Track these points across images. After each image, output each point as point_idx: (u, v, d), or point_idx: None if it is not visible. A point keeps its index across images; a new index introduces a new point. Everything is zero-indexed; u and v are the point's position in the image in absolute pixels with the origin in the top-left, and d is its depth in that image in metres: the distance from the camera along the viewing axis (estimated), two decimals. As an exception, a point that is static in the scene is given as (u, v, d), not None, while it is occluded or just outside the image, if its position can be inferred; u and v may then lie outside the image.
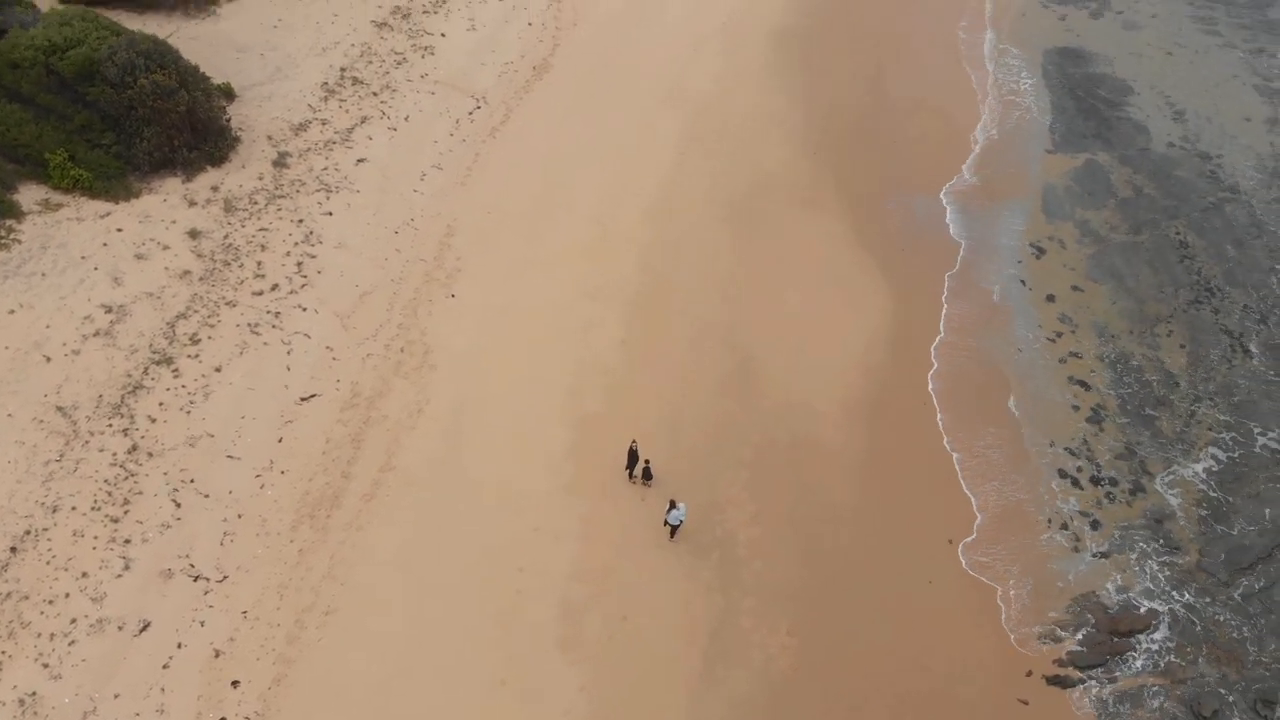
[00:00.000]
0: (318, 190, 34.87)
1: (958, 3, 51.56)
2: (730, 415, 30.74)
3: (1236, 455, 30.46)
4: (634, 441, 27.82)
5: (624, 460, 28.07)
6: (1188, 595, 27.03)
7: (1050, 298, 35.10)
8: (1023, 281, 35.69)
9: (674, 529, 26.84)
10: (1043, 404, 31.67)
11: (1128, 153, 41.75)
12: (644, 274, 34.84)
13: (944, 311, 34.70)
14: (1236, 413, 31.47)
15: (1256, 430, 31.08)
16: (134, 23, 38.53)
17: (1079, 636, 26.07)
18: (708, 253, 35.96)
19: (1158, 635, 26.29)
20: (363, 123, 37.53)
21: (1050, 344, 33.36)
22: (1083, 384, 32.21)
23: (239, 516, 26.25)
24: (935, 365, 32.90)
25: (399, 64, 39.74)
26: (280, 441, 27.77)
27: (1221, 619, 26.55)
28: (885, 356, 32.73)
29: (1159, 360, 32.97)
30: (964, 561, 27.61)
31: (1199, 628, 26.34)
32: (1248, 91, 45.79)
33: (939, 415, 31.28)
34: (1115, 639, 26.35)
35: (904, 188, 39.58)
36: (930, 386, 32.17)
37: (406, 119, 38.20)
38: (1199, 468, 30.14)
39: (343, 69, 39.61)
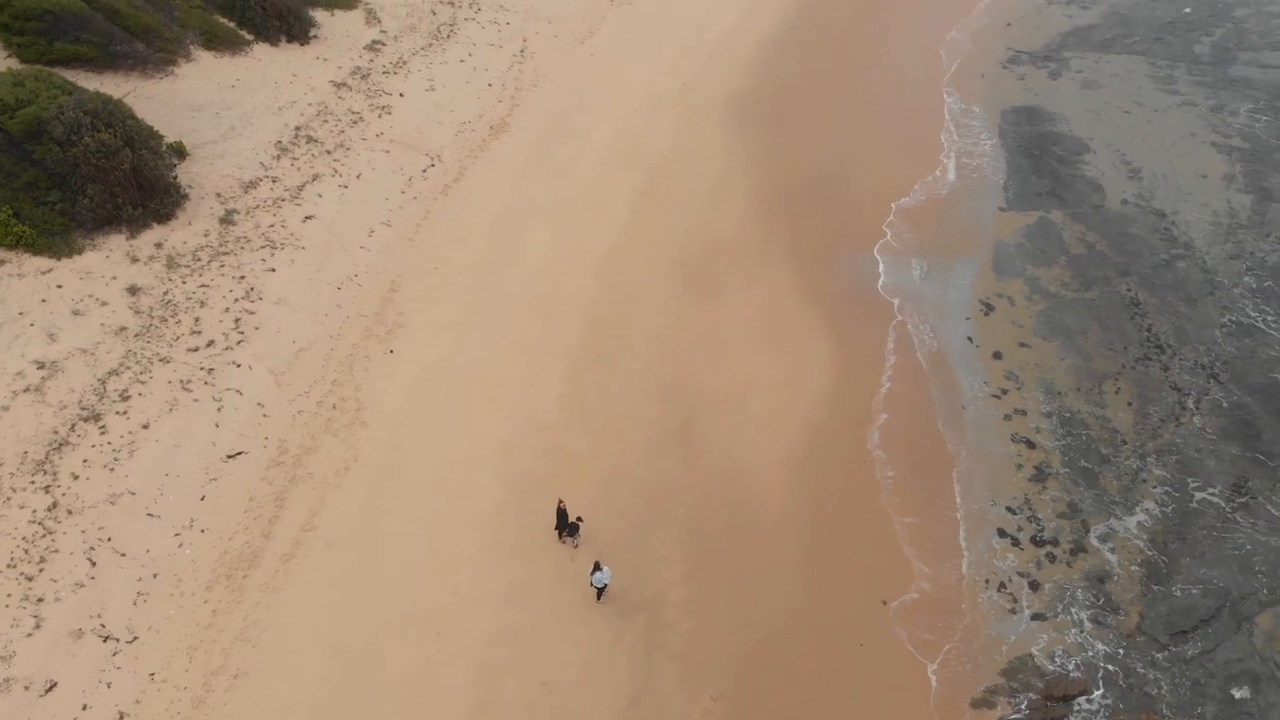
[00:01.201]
0: (263, 247, 35.06)
1: (918, 64, 52.41)
2: (668, 472, 30.21)
3: (1179, 514, 30.11)
4: (561, 500, 27.58)
5: (555, 519, 27.98)
6: (1127, 659, 26.51)
7: (997, 355, 35.09)
8: (970, 338, 35.73)
9: (600, 590, 26.31)
10: (985, 462, 31.42)
11: (1081, 210, 42.12)
12: (589, 330, 34.58)
13: (889, 369, 34.52)
14: (1182, 471, 31.20)
15: (1201, 489, 30.77)
16: (92, 82, 39.20)
17: (1014, 702, 25.51)
18: (655, 310, 35.70)
19: (1095, 701, 25.80)
20: (314, 180, 37.91)
21: (995, 401, 33.25)
22: (1027, 442, 32.04)
23: (154, 576, 25.86)
24: (877, 423, 32.47)
25: (355, 123, 40.18)
26: (203, 500, 27.50)
27: (1161, 684, 25.96)
28: (828, 414, 32.53)
29: (1105, 418, 32.84)
30: (898, 623, 26.96)
31: (1138, 692, 25.75)
32: (1205, 149, 46.32)
33: (879, 473, 30.86)
34: (1051, 704, 25.71)
35: (855, 246, 39.72)
36: (872, 444, 31.78)
37: (358, 177, 38.64)
38: (1141, 527, 29.73)
39: (298, 128, 40.17)
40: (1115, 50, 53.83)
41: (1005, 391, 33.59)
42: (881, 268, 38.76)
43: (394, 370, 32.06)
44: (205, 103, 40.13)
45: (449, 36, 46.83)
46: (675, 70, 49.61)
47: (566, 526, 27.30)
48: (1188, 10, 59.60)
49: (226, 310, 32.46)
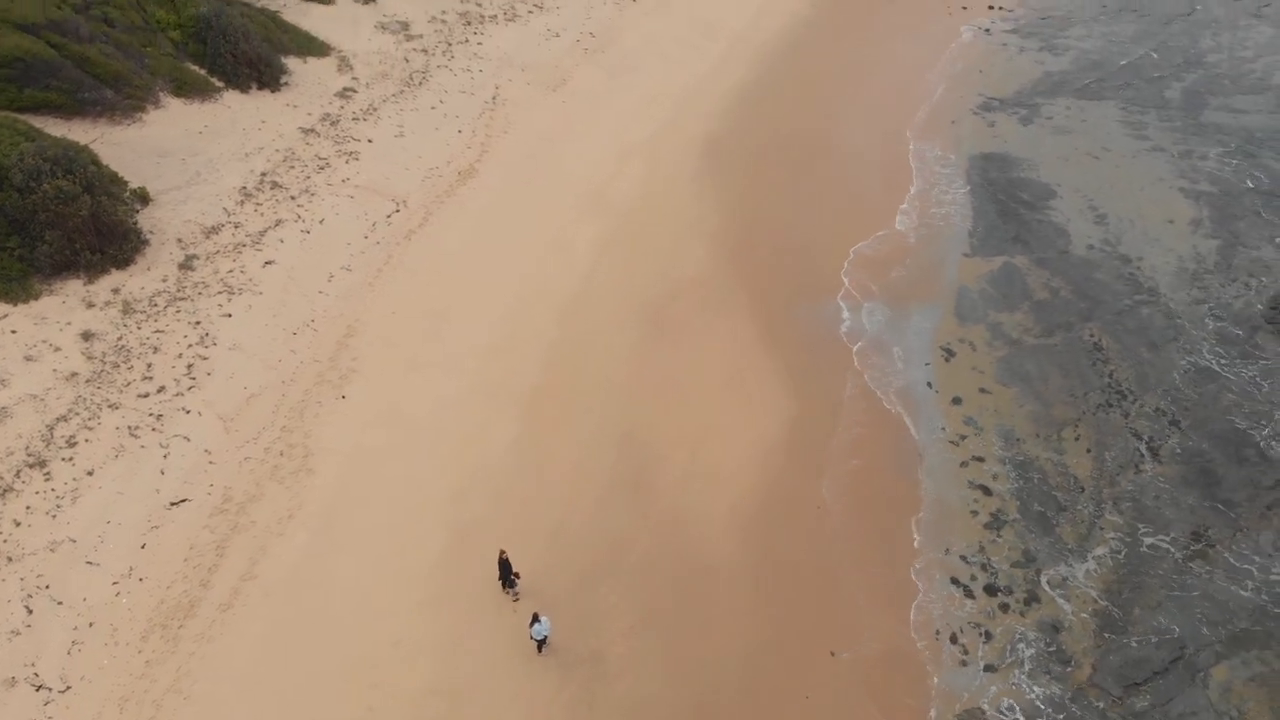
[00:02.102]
0: (220, 292, 35.17)
1: (889, 111, 52.82)
2: (618, 520, 29.74)
3: (1135, 563, 29.85)
4: (503, 551, 27.40)
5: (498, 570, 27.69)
6: (1078, 711, 26.15)
7: (956, 400, 35.12)
8: (929, 384, 35.77)
9: (540, 643, 25.95)
10: (941, 509, 31.24)
11: (1046, 255, 42.37)
12: (547, 376, 34.37)
13: (846, 415, 34.45)
14: (1139, 519, 31.01)
15: (1157, 538, 30.61)
16: (60, 128, 39.69)
17: (963, 756, 25.28)
18: (614, 355, 35.50)
19: (1045, 755, 25.47)
20: (276, 225, 38.13)
21: (953, 447, 33.19)
22: (983, 489, 31.93)
23: (90, 625, 25.58)
24: (833, 470, 31.97)
25: (321, 169, 40.50)
26: (143, 548, 27.31)
27: (1113, 738, 25.75)
28: (784, 461, 32.33)
29: (1063, 464, 32.73)
30: (846, 675, 26.61)
31: (1089, 747, 25.53)
32: (1173, 194, 46.69)
33: (833, 522, 30.72)
34: (1000, 759, 25.51)
35: (817, 292, 39.73)
36: (827, 492, 31.50)
37: (321, 222, 38.88)
38: (1096, 576, 29.45)
39: (263, 174, 40.55)
40: (1086, 96, 54.44)
41: (963, 438, 33.55)
42: (843, 313, 38.83)
43: (345, 416, 32.01)
44: (172, 149, 40.57)
45: (421, 84, 47.48)
46: (645, 117, 49.77)
47: (508, 577, 27.18)
48: (1154, 55, 60.53)
49: (179, 356, 32.55)
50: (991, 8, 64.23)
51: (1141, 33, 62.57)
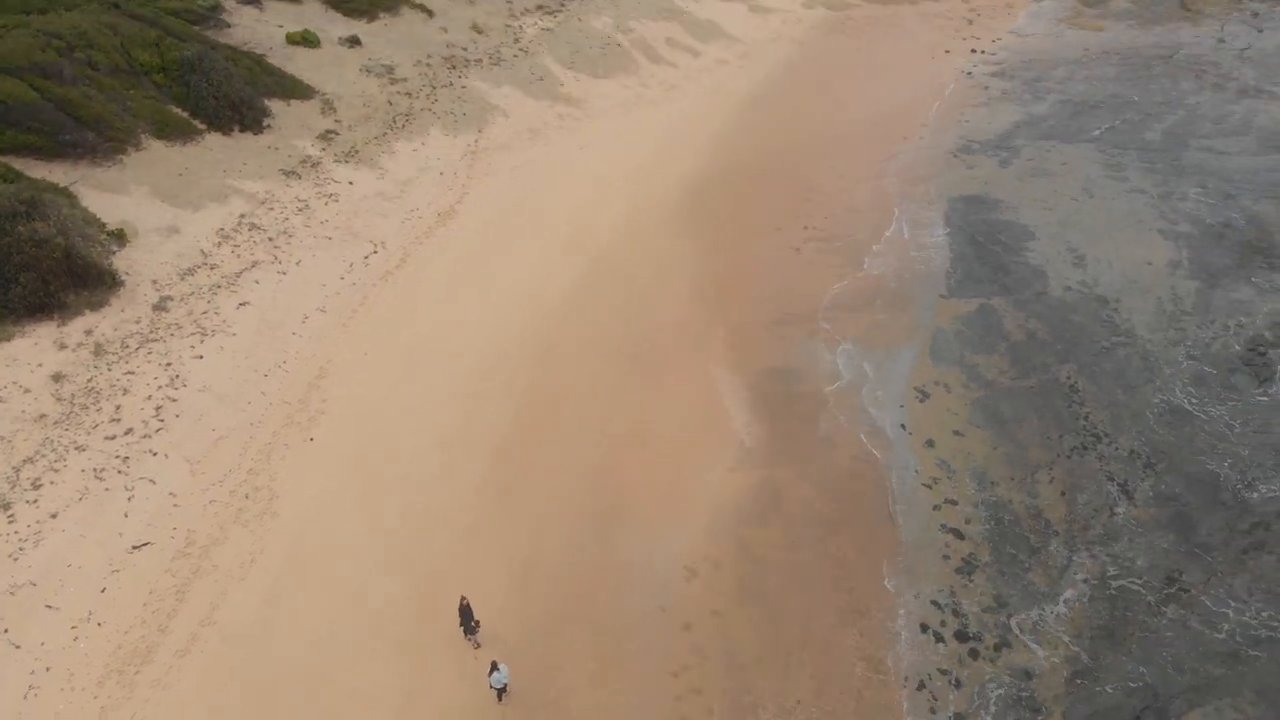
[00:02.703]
0: (193, 334, 35.31)
1: (871, 153, 53.10)
2: (584, 564, 29.36)
3: (1108, 608, 29.59)
4: (464, 597, 27.20)
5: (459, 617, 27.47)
6: (1048, 762, 25.94)
7: (930, 443, 35.05)
8: (903, 426, 35.74)
9: (500, 691, 25.48)
10: (912, 553, 31.05)
11: (1023, 297, 42.52)
12: (517, 419, 34.25)
13: (820, 458, 34.63)
14: (1113, 563, 30.83)
15: (1132, 583, 30.43)
16: (40, 170, 40.07)
17: (928, 808, 24.91)
18: (586, 397, 35.31)
19: (1014, 807, 25.11)
20: (252, 267, 38.44)
21: (926, 490, 33.09)
22: (956, 532, 31.81)
23: (47, 670, 25.21)
24: (805, 512, 31.98)
25: (300, 210, 40.90)
26: (103, 592, 27.13)
27: (1083, 789, 25.38)
28: (755, 504, 31.89)
29: (1036, 508, 32.60)
30: (811, 722, 26.71)
31: (1058, 799, 25.16)
32: (1152, 235, 46.96)
33: (803, 565, 30.62)
34: (967, 810, 25.14)
35: (795, 334, 39.73)
36: (798, 534, 31.47)
37: (298, 263, 39.20)
38: (1069, 621, 29.15)
39: (242, 215, 40.89)
40: (1067, 139, 54.90)
41: (936, 480, 33.46)
42: (819, 354, 38.95)
43: (312, 459, 31.90)
44: (152, 191, 41.02)
45: (404, 126, 48.07)
46: (628, 158, 50.16)
47: (469, 624, 27.00)
48: (1135, 97, 61.24)
49: (149, 398, 32.61)
50: (974, 51, 65.01)
51: (1123, 75, 63.24)
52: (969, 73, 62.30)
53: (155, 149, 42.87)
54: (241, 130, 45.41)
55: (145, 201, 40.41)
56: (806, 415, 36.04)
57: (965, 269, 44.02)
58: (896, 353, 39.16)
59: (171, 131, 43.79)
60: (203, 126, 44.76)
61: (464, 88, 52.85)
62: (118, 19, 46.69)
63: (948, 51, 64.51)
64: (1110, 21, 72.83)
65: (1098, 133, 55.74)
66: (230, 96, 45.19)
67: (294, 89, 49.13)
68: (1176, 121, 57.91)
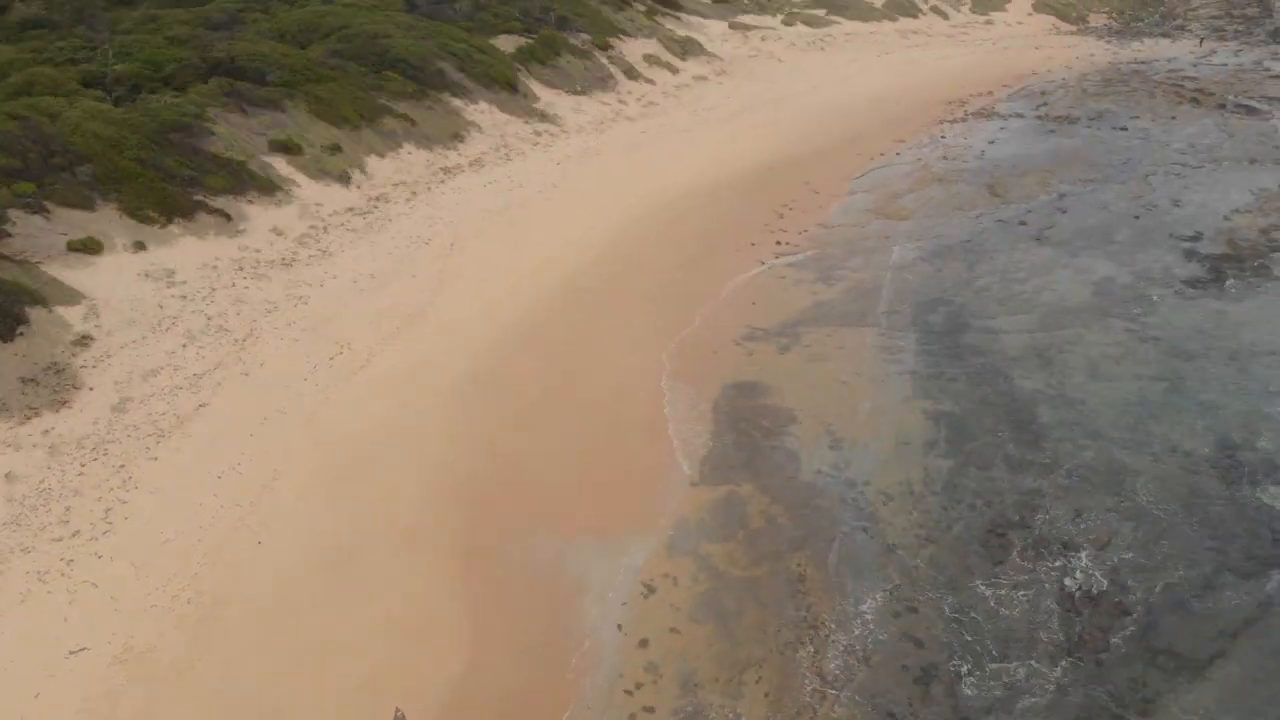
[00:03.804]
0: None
1: (651, 343, 54.34)
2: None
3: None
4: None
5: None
6: None
7: (643, 643, 33.60)
8: (619, 626, 34.44)
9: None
10: (594, 767, 29.27)
11: (771, 482, 42.31)
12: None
13: (527, 667, 32.99)
14: (803, 771, 29.30)
15: (818, 791, 28.82)
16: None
17: None
18: (276, 621, 33.95)
19: None
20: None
21: (626, 698, 31.47)
22: (646, 747, 30.01)
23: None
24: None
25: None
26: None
27: None
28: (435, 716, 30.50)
29: (737, 712, 31.18)
30: None
31: None
32: (914, 416, 47.71)
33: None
34: None
35: (533, 532, 39.06)
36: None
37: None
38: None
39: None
40: (849, 324, 56.54)
41: (640, 686, 31.83)
42: (554, 551, 37.95)
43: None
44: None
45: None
46: (408, 358, 50.83)
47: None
48: (925, 281, 63.63)
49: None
50: (779, 244, 67.76)
51: (918, 260, 66.11)
52: (768, 264, 64.59)
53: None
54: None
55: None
56: (529, 621, 33.75)
57: (720, 455, 43.93)
58: (635, 544, 38.35)
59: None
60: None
61: (245, 289, 53.11)
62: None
63: (753, 244, 67.04)
64: (920, 209, 76.82)
65: (880, 317, 57.53)
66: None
67: (60, 295, 48.83)
68: (962, 303, 60.44)
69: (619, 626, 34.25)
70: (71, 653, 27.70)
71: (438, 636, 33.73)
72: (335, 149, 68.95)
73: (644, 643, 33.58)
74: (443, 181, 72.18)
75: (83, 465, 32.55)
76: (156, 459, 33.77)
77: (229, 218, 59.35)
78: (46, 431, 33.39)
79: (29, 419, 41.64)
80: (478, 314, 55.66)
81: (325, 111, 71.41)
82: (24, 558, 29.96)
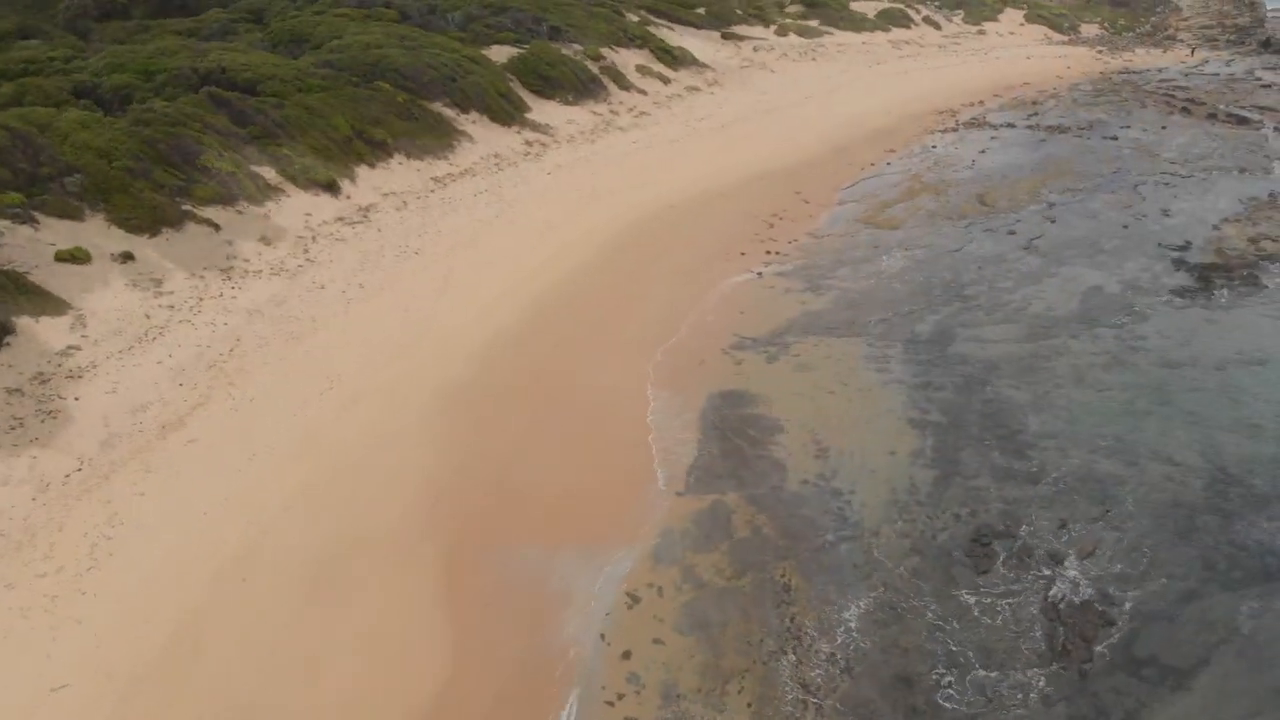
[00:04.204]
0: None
1: (641, 350, 54.44)
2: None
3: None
4: None
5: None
6: None
7: (626, 654, 33.48)
8: (603, 636, 34.32)
9: None
10: (574, 782, 29.17)
11: (757, 492, 42.21)
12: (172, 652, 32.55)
13: (511, 681, 32.86)
14: (789, 781, 29.21)
15: (806, 802, 28.71)
16: None
17: None
18: (268, 623, 33.89)
19: None
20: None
21: (608, 709, 31.39)
22: (626, 759, 29.90)
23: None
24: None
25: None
26: None
27: None
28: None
29: (720, 724, 31.11)
30: None
31: None
32: (901, 425, 47.64)
33: None
34: None
35: (517, 543, 38.87)
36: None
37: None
38: None
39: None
40: (837, 333, 56.49)
41: (622, 697, 31.72)
42: (540, 563, 37.79)
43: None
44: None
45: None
46: (386, 361, 50.50)
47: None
48: (915, 290, 63.75)
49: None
50: (769, 253, 67.79)
51: (907, 270, 66.14)
52: (759, 274, 64.56)
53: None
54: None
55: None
56: (512, 632, 33.39)
57: (707, 464, 43.81)
58: (619, 555, 38.17)
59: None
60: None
61: (233, 298, 53.05)
62: None
63: (743, 254, 67.05)
64: (910, 219, 76.95)
65: (869, 326, 57.49)
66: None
67: (47, 305, 48.78)
68: (951, 312, 60.36)
69: (602, 637, 34.14)
70: (53, 690, 27.71)
71: (419, 649, 33.56)
72: (325, 158, 68.94)
73: (627, 654, 33.46)
74: (433, 191, 72.25)
75: (66, 501, 33.05)
76: (143, 494, 34.20)
77: (217, 227, 59.38)
78: (33, 466, 33.68)
79: (13, 428, 41.56)
80: (466, 323, 55.66)
81: (315, 121, 71.41)
82: (8, 593, 29.99)
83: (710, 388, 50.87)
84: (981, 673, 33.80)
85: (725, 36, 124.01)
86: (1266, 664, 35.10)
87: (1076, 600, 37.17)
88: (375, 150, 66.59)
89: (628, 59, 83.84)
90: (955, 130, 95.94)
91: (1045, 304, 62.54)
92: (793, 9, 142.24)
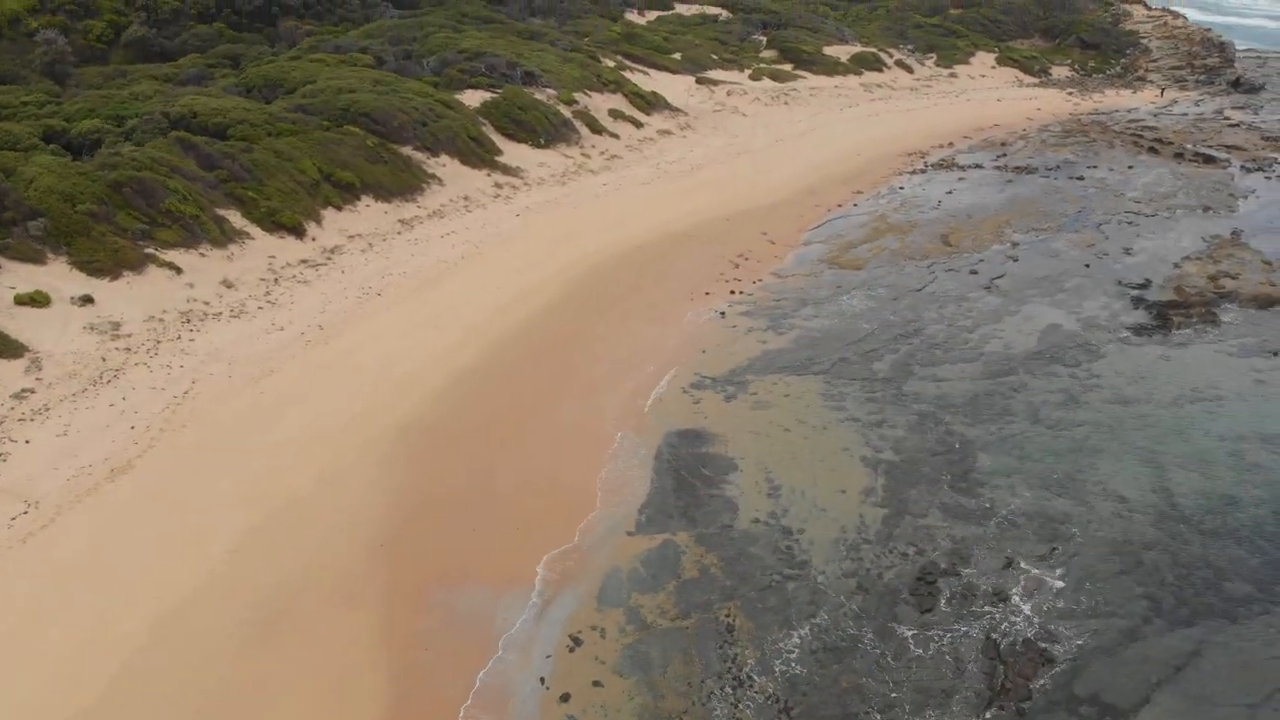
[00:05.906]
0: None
1: (601, 389, 54.60)
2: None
3: None
4: None
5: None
6: None
7: (565, 697, 33.39)
8: (542, 679, 34.31)
9: None
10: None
11: (708, 531, 42.36)
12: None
13: (445, 723, 32.70)
14: (720, 825, 29.16)
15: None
16: None
17: None
18: (199, 672, 33.34)
19: None
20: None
21: (539, 756, 31.35)
22: (553, 809, 29.79)
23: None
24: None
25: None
26: None
27: None
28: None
29: (654, 768, 31.07)
30: None
31: None
32: (854, 464, 47.94)
33: None
34: None
35: (463, 585, 38.91)
36: None
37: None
38: None
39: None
40: (795, 371, 56.92)
41: (556, 742, 31.69)
42: (485, 603, 37.80)
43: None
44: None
45: (110, 381, 48.27)
46: (348, 406, 50.93)
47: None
48: (875, 329, 64.29)
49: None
50: (733, 293, 68.34)
51: (868, 309, 66.75)
52: (722, 313, 65.05)
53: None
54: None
55: None
56: (451, 677, 33.48)
57: (659, 504, 44.01)
58: (565, 596, 38.19)
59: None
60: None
61: (191, 341, 53.24)
62: None
63: (708, 293, 67.59)
64: (873, 259, 77.69)
65: (827, 365, 57.98)
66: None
67: (4, 348, 48.84)
68: (909, 350, 60.97)
69: (542, 680, 34.09)
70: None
71: (359, 690, 33.48)
72: (292, 201, 69.50)
73: (565, 697, 33.41)
74: (399, 233, 72.83)
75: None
76: (95, 514, 34.38)
77: (179, 270, 59.74)
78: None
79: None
80: (426, 364, 55.95)
81: (283, 165, 72.11)
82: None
83: (668, 426, 51.17)
84: (917, 715, 33.74)
85: (700, 81, 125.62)
86: (1208, 702, 35.26)
87: (1018, 638, 37.28)
88: (343, 193, 67.24)
89: (601, 103, 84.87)
90: (924, 171, 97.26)
91: (1003, 342, 63.20)
92: (767, 54, 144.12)
